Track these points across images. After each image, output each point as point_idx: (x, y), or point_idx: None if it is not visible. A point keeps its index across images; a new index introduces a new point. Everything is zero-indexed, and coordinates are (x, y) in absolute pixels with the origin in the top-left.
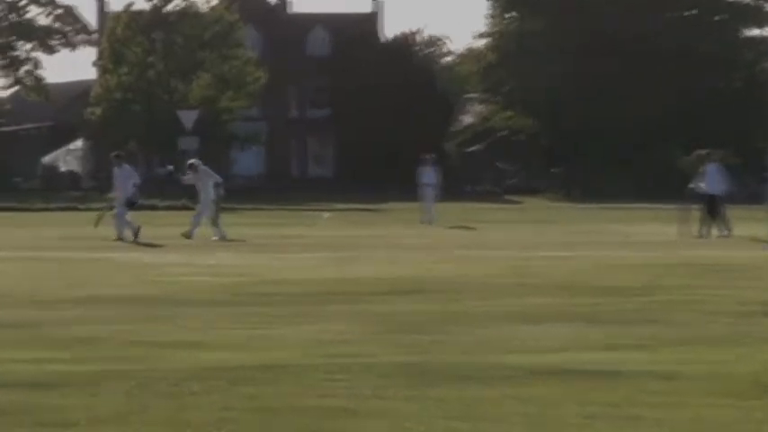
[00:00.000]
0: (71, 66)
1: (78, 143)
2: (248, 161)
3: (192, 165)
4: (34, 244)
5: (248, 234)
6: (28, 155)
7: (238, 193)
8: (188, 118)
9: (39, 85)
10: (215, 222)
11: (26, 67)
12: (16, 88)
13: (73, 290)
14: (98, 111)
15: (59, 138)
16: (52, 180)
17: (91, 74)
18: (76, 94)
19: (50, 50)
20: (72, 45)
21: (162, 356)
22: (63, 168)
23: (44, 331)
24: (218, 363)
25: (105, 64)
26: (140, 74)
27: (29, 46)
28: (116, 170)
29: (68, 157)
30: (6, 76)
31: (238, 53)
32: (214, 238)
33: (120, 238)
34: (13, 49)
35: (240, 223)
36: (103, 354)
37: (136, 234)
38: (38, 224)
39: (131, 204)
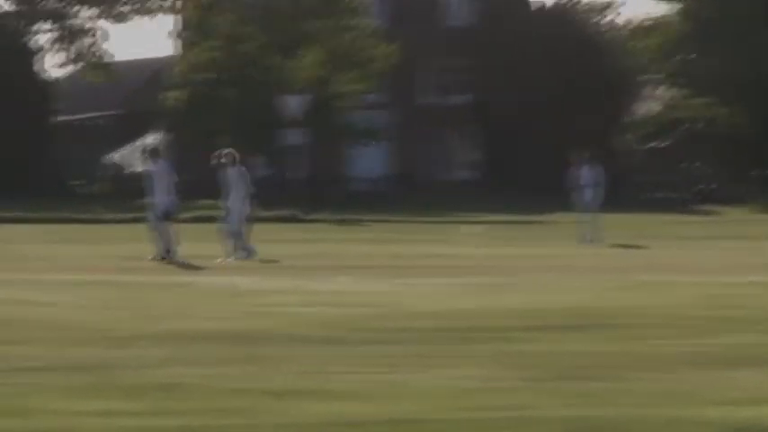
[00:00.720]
0: (145, 39)
1: (153, 137)
2: (369, 160)
3: (231, 155)
4: (101, 265)
5: (370, 253)
6: (89, 152)
7: (357, 201)
8: (293, 105)
9: (103, 62)
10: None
11: (88, 40)
12: (75, 67)
13: (152, 323)
14: (179, 96)
15: (129, 130)
16: (119, 183)
17: (171, 49)
18: (151, 74)
19: (119, 18)
20: (147, 11)
21: (263, 408)
22: (133, 169)
23: (117, 375)
24: (335, 416)
25: (189, 36)
26: (233, 48)
27: (91, 12)
28: (153, 168)
29: (140, 155)
30: (62, 50)
31: (358, 23)
32: (230, 258)
33: (164, 257)
34: (71, 16)
35: (360, 239)
36: (189, 404)
37: (167, 253)
38: (104, 239)
39: (167, 215)
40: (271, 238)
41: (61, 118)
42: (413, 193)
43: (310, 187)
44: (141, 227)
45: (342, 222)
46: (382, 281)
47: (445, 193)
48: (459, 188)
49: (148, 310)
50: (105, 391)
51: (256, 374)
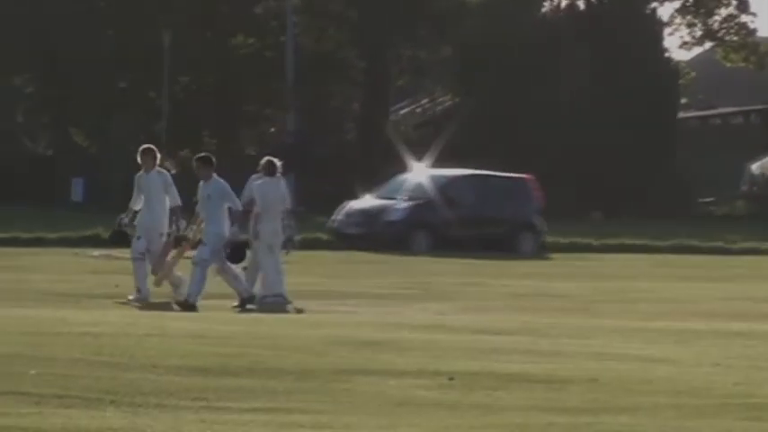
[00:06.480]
0: None
1: None
2: None
3: (272, 165)
4: (737, 309)
5: None
6: (725, 159)
7: None
8: None
9: (747, 41)
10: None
11: (725, 11)
12: (704, 48)
13: None
14: None
15: None
16: (763, 202)
17: None
18: None
19: None
20: None
21: None
22: None
23: None
24: None
25: None
26: None
27: None
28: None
29: None
30: (690, 24)
31: None
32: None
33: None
34: None
35: None
36: None
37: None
38: (738, 276)
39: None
40: None
41: (686, 114)
42: None
43: None
44: None
45: None
46: None
47: None
48: None
49: None
50: None
51: None
